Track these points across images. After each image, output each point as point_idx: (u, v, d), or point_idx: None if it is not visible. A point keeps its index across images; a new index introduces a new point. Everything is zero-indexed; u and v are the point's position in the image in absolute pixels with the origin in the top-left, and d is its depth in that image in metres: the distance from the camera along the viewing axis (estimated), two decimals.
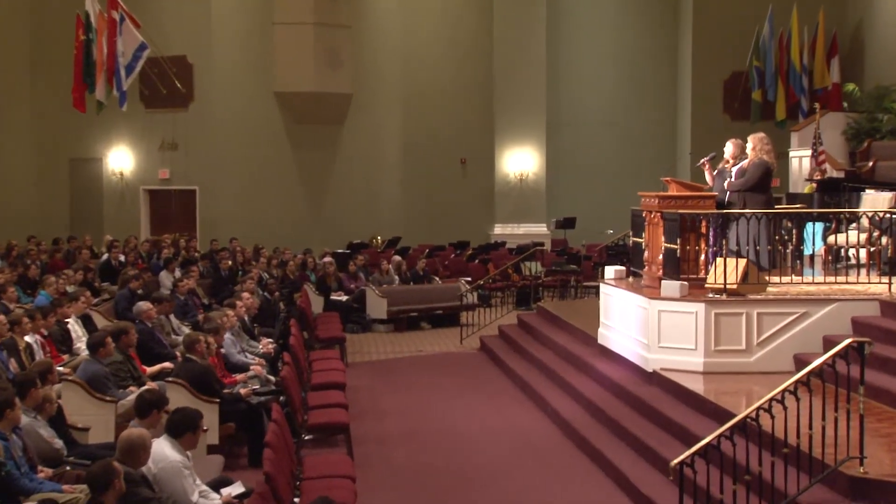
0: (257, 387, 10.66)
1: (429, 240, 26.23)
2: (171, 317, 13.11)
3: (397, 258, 21.26)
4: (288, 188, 26.54)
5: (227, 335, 11.56)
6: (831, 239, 13.29)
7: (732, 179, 11.92)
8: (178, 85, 25.21)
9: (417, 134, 27.55)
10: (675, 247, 10.79)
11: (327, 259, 20.68)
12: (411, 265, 21.38)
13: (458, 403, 12.77)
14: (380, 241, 26.38)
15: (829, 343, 9.59)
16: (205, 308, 15.22)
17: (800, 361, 9.76)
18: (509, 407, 12.55)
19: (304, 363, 12.30)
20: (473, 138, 27.68)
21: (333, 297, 19.33)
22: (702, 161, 12.43)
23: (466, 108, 27.70)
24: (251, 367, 11.25)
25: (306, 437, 9.63)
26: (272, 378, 11.17)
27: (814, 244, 12.76)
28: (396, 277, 20.41)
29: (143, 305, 12.01)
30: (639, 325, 11.02)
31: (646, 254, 11.74)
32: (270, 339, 13.18)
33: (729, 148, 12.37)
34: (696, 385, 9.78)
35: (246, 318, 13.10)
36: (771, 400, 6.95)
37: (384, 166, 27.44)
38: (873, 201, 13.29)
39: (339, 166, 26.96)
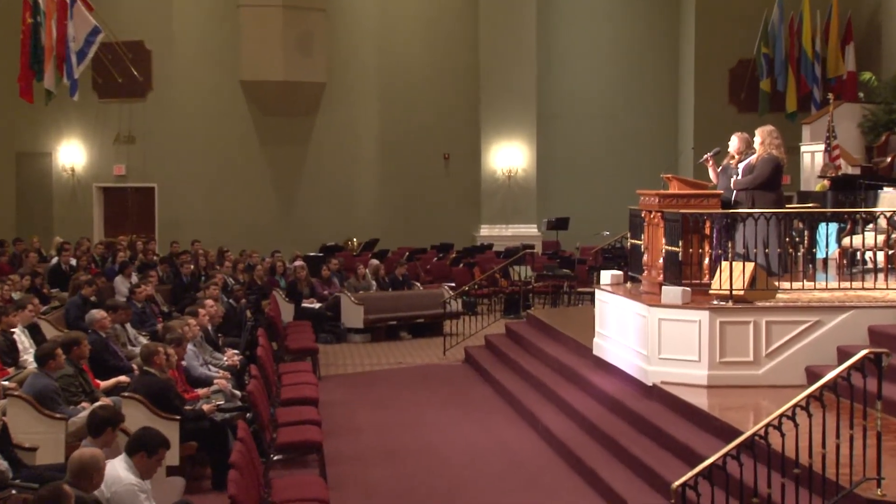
0: (222, 402, 10.62)
1: (409, 242, 26.23)
2: (128, 326, 13.06)
3: (375, 262, 21.23)
4: (255, 186, 26.50)
5: (189, 346, 11.51)
6: (846, 241, 13.34)
7: (739, 176, 11.95)
8: (135, 73, 25.14)
9: (396, 127, 27.54)
10: (677, 249, 10.81)
11: (298, 263, 20.64)
12: (390, 270, 21.35)
13: (440, 420, 12.75)
14: (356, 244, 26.35)
15: (843, 354, 9.62)
16: (164, 316, 15.16)
17: (812, 374, 9.79)
18: (497, 423, 12.53)
19: (272, 376, 12.26)
20: (457, 131, 27.69)
21: (305, 304, 19.29)
22: (705, 157, 12.48)
23: (450, 98, 27.71)
24: (215, 381, 11.21)
25: (275, 457, 9.60)
26: (238, 393, 11.14)
27: (827, 247, 12.80)
28: (374, 283, 20.38)
29: (97, 314, 11.95)
30: (637, 334, 11.04)
31: (645, 257, 11.76)
32: (236, 351, 13.14)
33: (734, 142, 12.41)
34: (700, 400, 9.80)
35: (209, 328, 13.05)
36: (781, 416, 6.96)
37: (360, 162, 27.42)
38: (892, 200, 13.35)
39: (312, 162, 26.94)
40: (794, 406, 6.96)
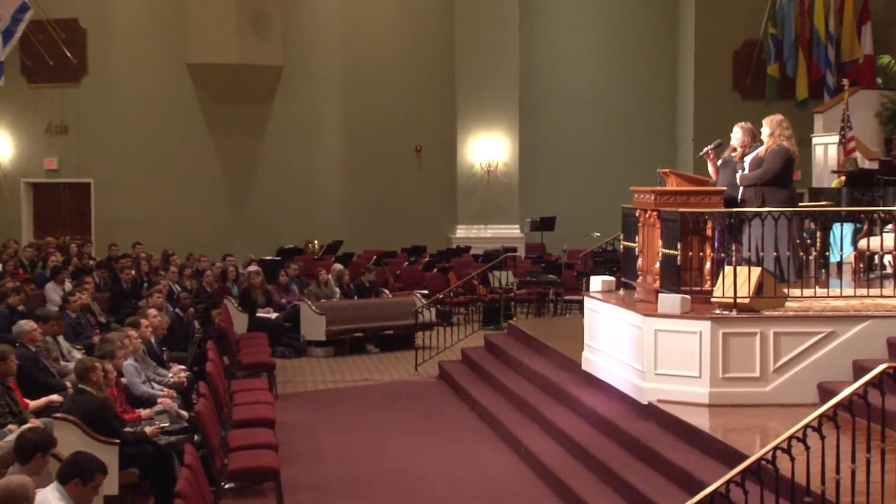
0: (166, 424, 10.58)
1: (377, 245, 26.22)
2: (60, 339, 12.99)
3: (338, 267, 21.20)
4: (205, 181, 26.43)
5: (130, 361, 11.47)
6: (863, 243, 13.41)
7: (746, 171, 11.97)
8: (68, 55, 25.02)
9: (363, 116, 27.52)
10: (675, 253, 10.84)
11: (253, 268, 20.59)
12: (355, 275, 21.32)
13: (412, 443, 12.75)
14: (317, 247, 26.31)
15: (860, 369, 9.66)
16: (101, 328, 15.08)
17: (825, 391, 9.83)
18: (475, 447, 12.53)
19: (223, 395, 12.22)
20: (431, 121, 27.70)
21: (260, 313, 19.24)
22: (706, 149, 12.49)
23: (423, 84, 27.71)
24: (159, 401, 11.17)
25: (226, 486, 9.57)
26: (184, 413, 11.10)
27: (842, 250, 12.87)
28: (337, 290, 20.36)
29: (26, 325, 11.88)
30: (631, 347, 11.06)
31: (640, 261, 11.78)
32: (183, 366, 13.10)
33: (737, 134, 12.42)
34: (701, 420, 9.83)
35: (153, 341, 13.00)
36: (790, 438, 6.99)
37: (322, 155, 27.39)
38: None
39: (267, 155, 26.88)
40: (806, 427, 6.98)
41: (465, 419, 14.06)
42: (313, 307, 19.12)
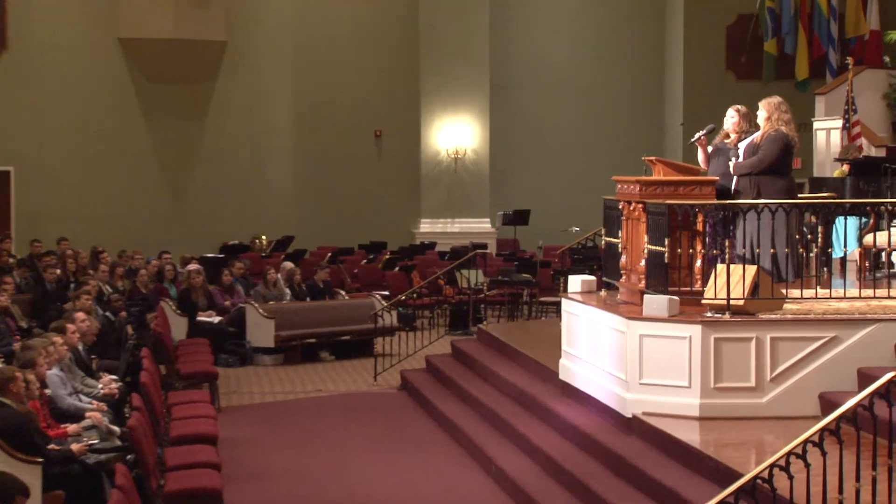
0: (95, 441, 10.53)
1: (331, 241, 26.18)
2: None
3: (289, 265, 21.15)
4: (139, 170, 26.31)
5: (55, 371, 11.40)
6: (868, 239, 13.49)
7: (740, 159, 12.01)
8: None
9: (316, 97, 27.48)
10: (663, 249, 10.87)
11: (193, 267, 20.51)
12: (308, 275, 21.28)
13: (371, 462, 12.74)
14: (265, 243, 26.24)
15: (865, 378, 9.71)
16: (23, 334, 14.98)
17: (827, 403, 9.88)
18: (441, 465, 12.54)
19: (160, 408, 12.18)
20: (392, 103, 27.69)
21: (201, 317, 19.18)
22: (697, 135, 12.51)
23: (382, 62, 27.70)
24: (87, 415, 11.11)
25: None
26: (116, 429, 11.04)
27: (845, 246, 12.93)
28: (287, 291, 20.31)
29: None
30: (613, 354, 11.09)
31: (623, 259, 11.81)
32: (114, 377, 13.03)
33: (731, 118, 12.44)
34: (691, 434, 9.86)
35: (80, 348, 12.93)
36: (789, 454, 7.02)
37: (271, 140, 27.34)
38: None
39: (209, 140, 26.80)
40: (805, 442, 7.02)
41: (430, 434, 14.06)
42: (260, 310, 19.07)
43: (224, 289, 20.15)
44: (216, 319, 19.35)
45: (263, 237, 26.49)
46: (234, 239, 25.28)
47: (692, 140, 12.60)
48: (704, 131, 12.47)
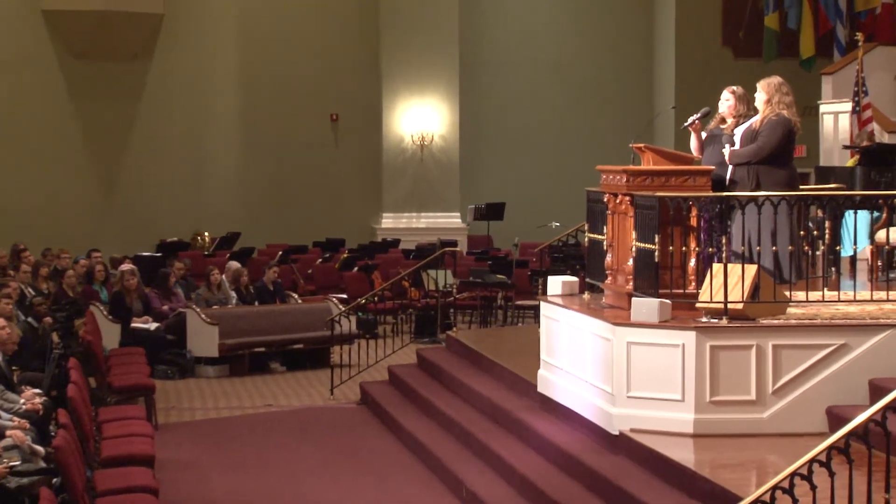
0: (17, 462, 10.48)
1: (282, 238, 26.15)
2: None
3: (234, 265, 21.10)
4: (65, 158, 26.19)
5: None
6: (881, 235, 13.55)
7: (737, 146, 12.04)
8: None
9: (265, 76, 27.43)
10: (653, 247, 10.89)
11: (126, 267, 20.43)
12: (256, 276, 21.23)
13: (327, 486, 12.74)
14: (208, 240, 26.17)
15: (877, 390, 9.75)
16: None
17: (836, 418, 9.92)
18: (406, 489, 12.55)
19: (89, 426, 12.12)
20: (350, 84, 27.66)
21: (135, 324, 19.11)
22: (691, 120, 12.51)
23: (338, 36, 27.68)
24: (7, 433, 11.05)
25: None
26: (40, 449, 10.99)
27: (855, 243, 13.00)
28: (233, 294, 20.27)
29: None
30: (598, 364, 11.11)
31: (608, 258, 11.84)
32: (38, 390, 12.97)
33: (726, 100, 12.46)
34: (684, 454, 9.88)
35: (0, 358, 12.86)
36: (793, 475, 7.05)
37: (214, 125, 27.27)
38: None
39: (145, 125, 26.71)
40: (811, 461, 7.04)
41: (393, 454, 14.06)
42: (203, 315, 19.01)
43: (161, 292, 20.07)
44: (153, 326, 19.28)
45: (206, 234, 26.43)
46: (173, 236, 25.19)
47: (685, 125, 12.60)
48: (698, 115, 12.47)
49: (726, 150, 11.98)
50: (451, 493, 12.18)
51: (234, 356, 19.11)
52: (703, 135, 12.51)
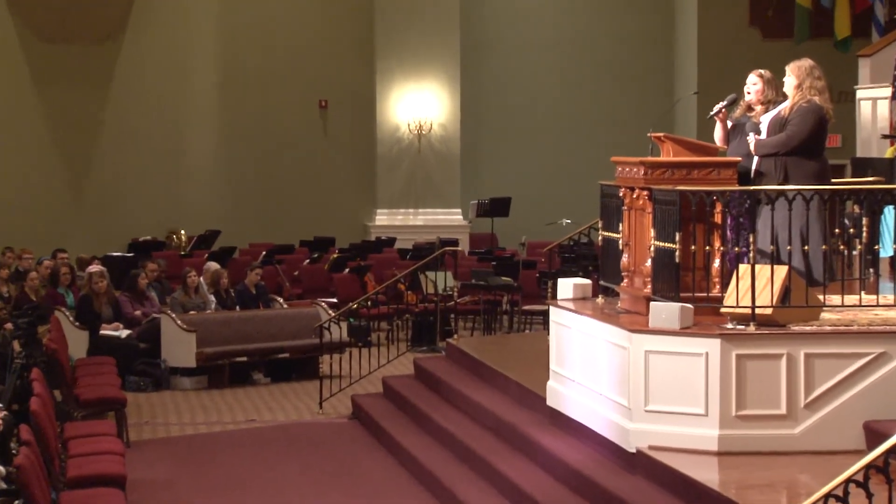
0: None
1: (266, 237, 26.18)
2: None
3: (214, 266, 21.10)
4: (29, 149, 26.22)
5: None
6: None
7: (763, 136, 12.04)
8: None
9: (247, 60, 27.44)
10: (673, 246, 10.90)
11: (95, 268, 20.44)
12: (237, 278, 21.24)
13: None
14: (184, 239, 26.17)
15: None
16: None
17: (874, 433, 9.92)
18: None
19: (54, 443, 12.12)
20: (340, 68, 27.67)
21: (105, 331, 19.12)
22: (717, 108, 12.47)
23: (328, 16, 27.68)
24: None
25: None
26: (1, 469, 11.00)
27: (895, 242, 13.03)
28: (212, 299, 20.27)
29: None
30: (613, 375, 11.11)
31: (625, 258, 11.84)
32: None
33: (754, 84, 12.45)
34: (707, 473, 9.89)
35: None
36: (827, 496, 7.04)
37: (191, 113, 27.29)
38: None
39: (115, 113, 26.73)
40: (847, 481, 7.04)
41: (387, 473, 14.06)
42: (179, 321, 19.02)
43: (133, 296, 20.07)
44: (124, 333, 19.28)
45: (182, 232, 26.44)
46: (146, 234, 25.23)
47: (711, 114, 12.54)
48: (725, 102, 12.43)
49: (751, 140, 11.95)
50: None
51: (214, 366, 19.12)
52: (729, 124, 12.48)
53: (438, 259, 21.21)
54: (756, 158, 11.89)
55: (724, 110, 12.38)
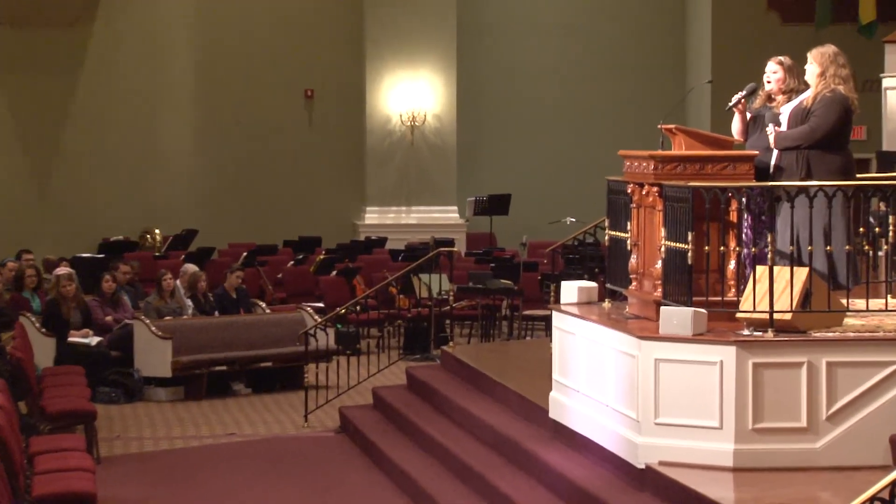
0: None
1: (247, 236, 26.19)
2: None
3: (191, 268, 21.10)
4: None
5: None
6: None
7: (784, 127, 12.05)
8: None
9: (226, 46, 27.47)
10: (685, 247, 10.91)
11: (63, 271, 20.45)
12: (216, 281, 21.24)
13: None
14: (159, 239, 26.18)
15: None
16: None
17: None
18: None
19: (19, 459, 12.13)
20: (327, 55, 27.69)
21: (74, 338, 19.13)
22: (735, 99, 12.45)
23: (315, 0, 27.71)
24: None
25: None
26: None
27: None
28: (189, 303, 20.28)
29: None
30: (621, 385, 11.12)
31: (633, 259, 11.85)
32: None
33: (774, 72, 12.44)
34: (722, 491, 9.90)
35: None
36: None
37: (166, 104, 27.31)
38: None
39: (84, 103, 26.73)
40: (872, 499, 7.06)
41: (377, 491, 14.07)
42: (153, 328, 19.03)
43: (105, 299, 20.07)
44: (94, 340, 19.29)
45: (157, 231, 26.46)
46: (118, 234, 25.24)
47: (729, 105, 12.49)
48: (744, 93, 12.39)
49: (770, 132, 11.93)
50: None
51: (191, 376, 19.12)
52: (748, 115, 12.45)
53: (433, 260, 21.20)
54: (776, 152, 11.89)
55: (743, 101, 12.34)
